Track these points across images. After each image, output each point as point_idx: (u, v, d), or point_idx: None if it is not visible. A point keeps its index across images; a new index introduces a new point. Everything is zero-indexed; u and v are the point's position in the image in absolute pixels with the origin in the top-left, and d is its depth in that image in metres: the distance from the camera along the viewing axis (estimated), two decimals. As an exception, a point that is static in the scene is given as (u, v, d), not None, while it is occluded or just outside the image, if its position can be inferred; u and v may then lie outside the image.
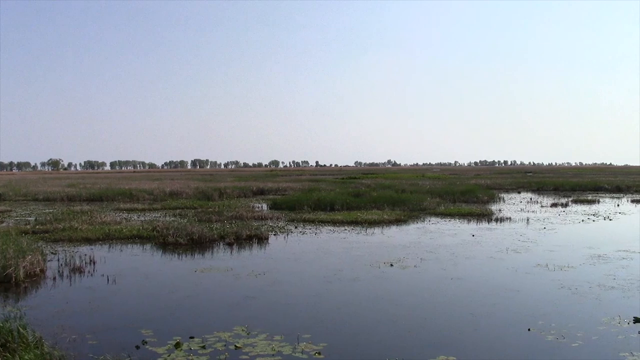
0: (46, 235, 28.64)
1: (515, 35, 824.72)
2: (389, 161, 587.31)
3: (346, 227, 32.92)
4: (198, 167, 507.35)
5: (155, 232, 28.35)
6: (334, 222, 35.21)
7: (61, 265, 20.84)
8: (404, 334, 12.73)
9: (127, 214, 41.36)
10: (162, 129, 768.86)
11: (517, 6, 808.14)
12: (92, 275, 19.46)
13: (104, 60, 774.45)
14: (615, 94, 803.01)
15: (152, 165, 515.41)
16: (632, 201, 55.90)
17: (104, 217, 35.38)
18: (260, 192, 67.84)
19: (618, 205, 50.91)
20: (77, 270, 19.98)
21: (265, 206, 47.75)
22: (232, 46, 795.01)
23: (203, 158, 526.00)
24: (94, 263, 21.34)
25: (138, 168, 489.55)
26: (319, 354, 11.27)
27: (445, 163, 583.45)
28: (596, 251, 23.96)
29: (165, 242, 26.16)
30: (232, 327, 13.04)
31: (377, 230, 31.75)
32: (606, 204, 51.73)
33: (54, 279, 18.83)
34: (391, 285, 17.96)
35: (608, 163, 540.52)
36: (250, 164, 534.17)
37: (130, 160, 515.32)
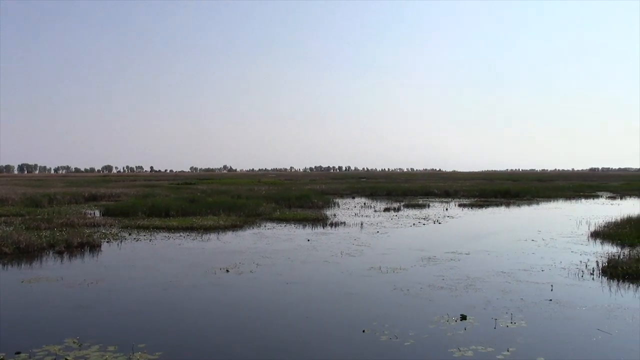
0: None
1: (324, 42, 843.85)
2: (224, 167, 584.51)
3: (181, 233, 32.42)
4: (26, 172, 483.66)
5: (-24, 241, 26.61)
6: (169, 228, 34.57)
7: None
8: (240, 340, 12.66)
9: (-56, 222, 38.62)
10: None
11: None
12: None
13: None
14: (445, 99, 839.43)
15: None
16: (459, 205, 58.65)
17: None
18: (93, 198, 65.49)
19: (446, 209, 53.26)
20: None
21: (97, 212, 46.00)
22: (67, 44, 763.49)
23: (31, 162, 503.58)
24: None
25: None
26: (154, 363, 10.98)
27: (281, 168, 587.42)
28: (427, 253, 24.90)
29: (-12, 252, 24.64)
30: (63, 339, 12.42)
31: (212, 236, 31.48)
32: (436, 208, 54.00)
33: None
34: (228, 291, 17.84)
35: (437, 169, 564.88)
36: (82, 169, 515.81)
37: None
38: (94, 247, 26.44)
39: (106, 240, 29.02)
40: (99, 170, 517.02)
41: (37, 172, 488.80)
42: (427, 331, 13.04)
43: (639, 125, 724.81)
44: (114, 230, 33.80)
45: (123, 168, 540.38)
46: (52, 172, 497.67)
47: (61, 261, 23.33)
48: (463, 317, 14.14)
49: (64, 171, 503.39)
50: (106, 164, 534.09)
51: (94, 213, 45.55)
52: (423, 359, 11.42)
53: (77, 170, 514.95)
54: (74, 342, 12.21)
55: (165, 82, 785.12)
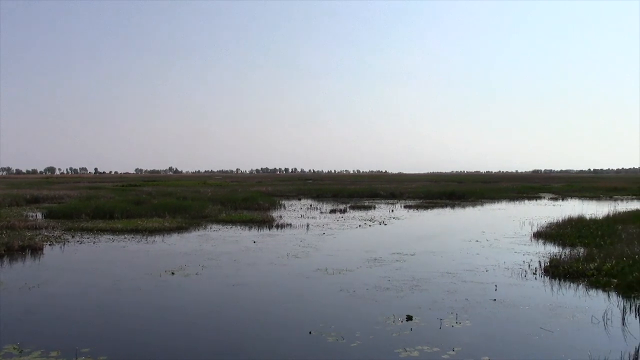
0: None
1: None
2: (170, 168, 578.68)
3: (126, 236, 31.98)
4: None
5: None
6: (114, 231, 34.07)
7: None
8: (186, 343, 12.52)
9: None
10: None
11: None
12: None
13: None
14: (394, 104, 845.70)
15: None
16: (405, 207, 58.99)
17: None
18: (35, 200, 64.19)
19: (392, 210, 53.62)
20: None
21: (40, 215, 45.15)
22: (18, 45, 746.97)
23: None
24: None
25: None
26: (97, 368, 10.79)
27: (227, 170, 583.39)
28: (372, 255, 25.00)
29: None
30: (3, 346, 12.09)
31: (158, 238, 31.13)
32: (382, 210, 54.29)
33: None
34: (173, 294, 17.66)
35: (384, 171, 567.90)
36: (24, 171, 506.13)
37: None
38: (36, 250, 25.89)
39: (49, 243, 28.46)
40: (41, 172, 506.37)
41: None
42: (373, 332, 13.08)
43: (580, 128, 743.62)
44: (56, 232, 33.21)
45: (66, 169, 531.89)
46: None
47: (1, 265, 22.77)
48: (409, 318, 14.23)
49: (4, 173, 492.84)
50: (49, 166, 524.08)
51: (36, 215, 44.71)
52: (370, 359, 11.45)
53: (18, 171, 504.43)
54: (14, 349, 11.91)
55: (111, 84, 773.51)
